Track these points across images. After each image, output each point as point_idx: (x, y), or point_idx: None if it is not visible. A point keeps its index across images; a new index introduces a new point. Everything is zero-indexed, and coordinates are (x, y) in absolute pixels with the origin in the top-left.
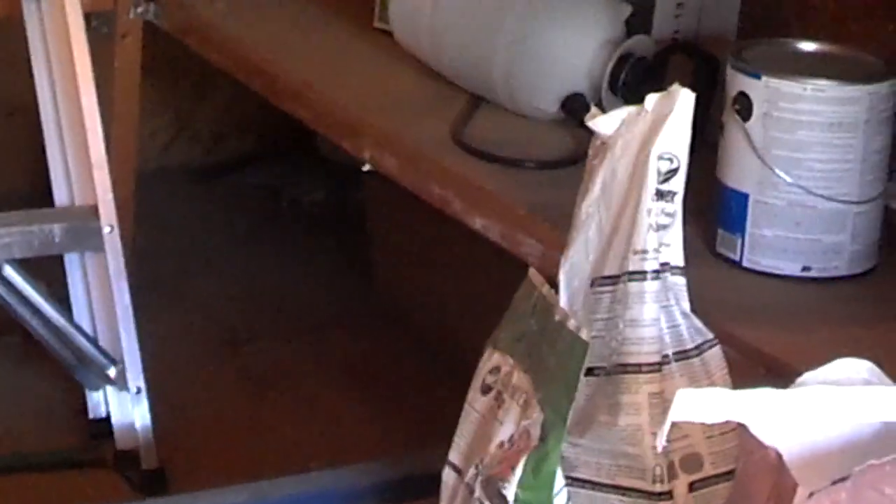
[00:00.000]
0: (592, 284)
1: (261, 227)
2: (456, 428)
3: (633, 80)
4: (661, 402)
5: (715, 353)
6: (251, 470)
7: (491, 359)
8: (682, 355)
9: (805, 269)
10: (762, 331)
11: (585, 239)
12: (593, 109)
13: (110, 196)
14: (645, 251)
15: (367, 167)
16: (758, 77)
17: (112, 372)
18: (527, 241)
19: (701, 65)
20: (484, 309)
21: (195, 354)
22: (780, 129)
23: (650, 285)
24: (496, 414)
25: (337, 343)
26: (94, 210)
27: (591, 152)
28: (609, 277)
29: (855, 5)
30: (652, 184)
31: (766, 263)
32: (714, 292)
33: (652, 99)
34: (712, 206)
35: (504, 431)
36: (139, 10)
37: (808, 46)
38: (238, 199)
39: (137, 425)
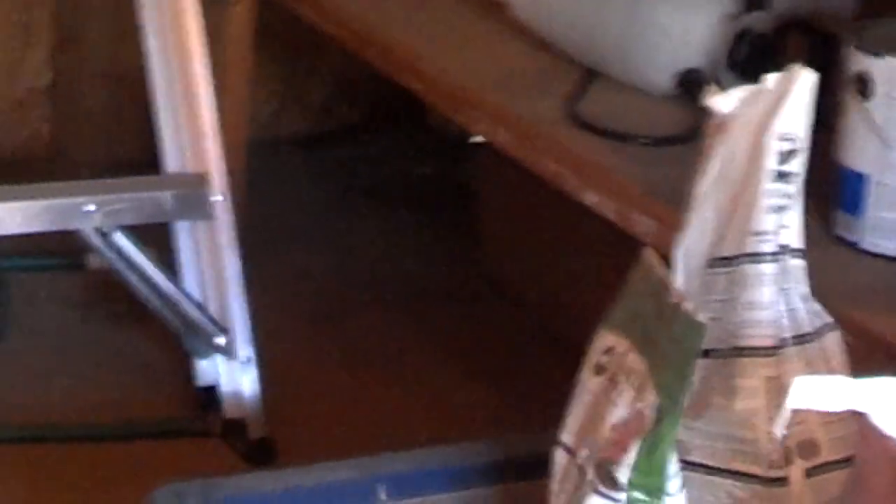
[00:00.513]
0: (709, 265)
1: (368, 198)
2: (567, 408)
3: (751, 57)
4: (778, 386)
5: (834, 338)
6: (355, 443)
7: (605, 339)
8: (799, 339)
9: None
10: (883, 316)
11: (702, 219)
12: (711, 87)
13: (221, 164)
14: (763, 233)
15: (477, 139)
16: (881, 56)
17: (221, 340)
18: (641, 218)
19: (819, 43)
20: (594, 286)
21: (300, 326)
22: None
23: (768, 267)
24: (609, 395)
25: (443, 318)
26: (204, 178)
27: (708, 131)
28: (726, 258)
29: None
30: (771, 165)
31: (887, 246)
32: (832, 276)
33: (771, 78)
34: (829, 188)
35: (617, 413)
36: None
37: None
38: (346, 169)
39: (246, 394)
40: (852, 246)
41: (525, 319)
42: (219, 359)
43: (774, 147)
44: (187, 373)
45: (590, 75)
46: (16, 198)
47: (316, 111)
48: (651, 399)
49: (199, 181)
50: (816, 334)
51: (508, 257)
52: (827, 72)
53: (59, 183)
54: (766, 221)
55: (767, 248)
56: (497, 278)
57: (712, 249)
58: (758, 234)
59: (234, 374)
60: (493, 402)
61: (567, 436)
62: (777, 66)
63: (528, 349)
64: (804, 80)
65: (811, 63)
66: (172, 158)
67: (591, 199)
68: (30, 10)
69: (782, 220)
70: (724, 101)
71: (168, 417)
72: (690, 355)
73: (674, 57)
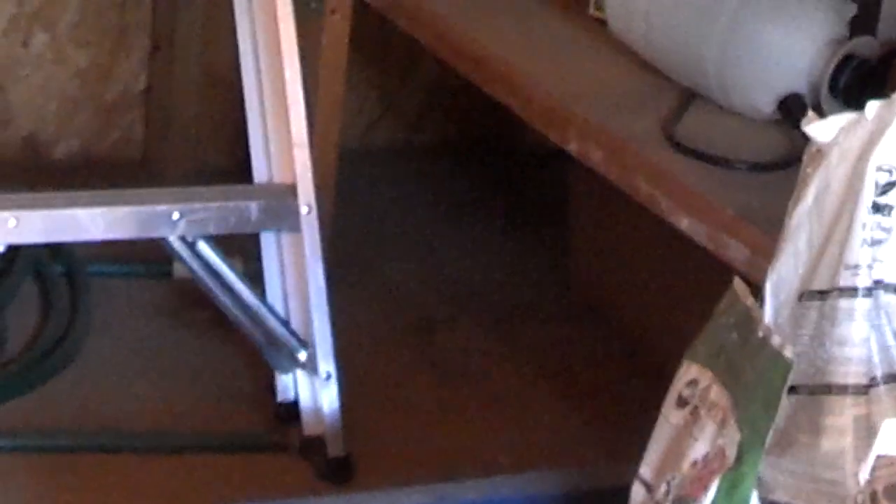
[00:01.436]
0: (800, 298)
1: (459, 211)
2: (649, 440)
3: (855, 84)
4: (867, 427)
5: None
6: (438, 462)
7: (688, 371)
8: (892, 378)
9: None
10: None
11: (795, 250)
12: (810, 114)
13: (310, 175)
14: (857, 266)
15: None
16: None
17: (302, 355)
18: (734, 244)
19: None
20: (684, 311)
21: (386, 340)
22: None
23: (861, 303)
24: (691, 429)
25: (533, 336)
26: (292, 189)
27: (805, 159)
28: (818, 292)
29: None
30: (868, 196)
31: None
32: None
33: (873, 106)
34: None
35: (699, 449)
36: None
37: None
38: (439, 182)
39: (325, 411)
40: None
41: (615, 341)
42: (299, 374)
43: (873, 178)
44: (268, 386)
45: (688, 96)
46: (100, 203)
47: (410, 123)
48: (733, 435)
49: (286, 192)
50: None
51: (600, 276)
52: None
53: (144, 190)
54: (861, 254)
55: (861, 282)
56: (588, 297)
57: (804, 282)
58: (851, 267)
59: (314, 389)
60: (580, 422)
61: (646, 470)
62: (881, 94)
63: (617, 371)
64: None
65: None
66: (262, 167)
67: (683, 222)
68: (125, 13)
69: (877, 254)
70: (822, 129)
71: (247, 431)
72: (777, 391)
73: (775, 81)
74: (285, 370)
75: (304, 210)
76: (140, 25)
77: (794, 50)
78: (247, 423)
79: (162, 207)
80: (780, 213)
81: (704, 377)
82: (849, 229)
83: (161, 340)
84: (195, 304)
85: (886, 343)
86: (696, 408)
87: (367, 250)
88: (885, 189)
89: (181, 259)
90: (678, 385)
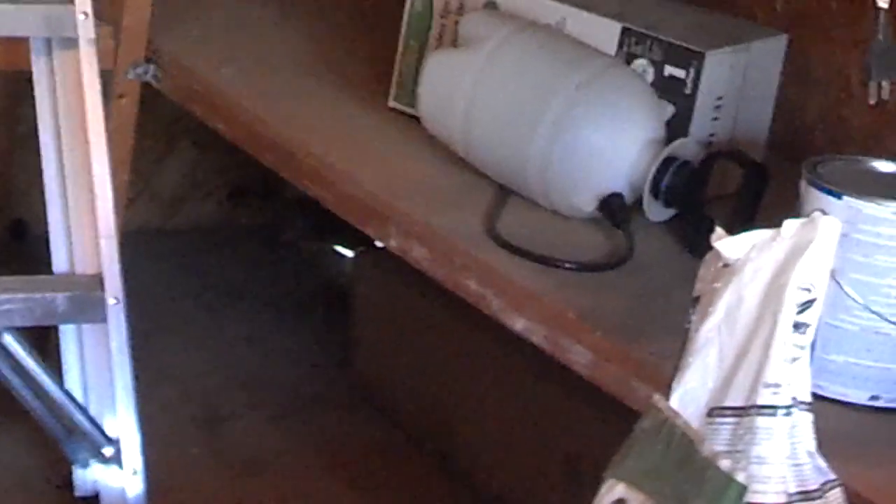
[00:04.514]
0: (710, 414)
1: (228, 297)
2: None
3: (676, 185)
4: None
5: (836, 495)
6: None
7: (613, 490)
8: (804, 496)
9: (873, 398)
10: (835, 462)
11: (703, 364)
12: (718, 230)
13: (117, 267)
14: (778, 385)
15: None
16: (838, 197)
17: (108, 451)
18: (575, 347)
19: (751, 172)
20: (472, 401)
21: (172, 434)
22: (857, 252)
23: (781, 421)
24: None
25: (317, 426)
26: (98, 280)
27: (707, 273)
28: (731, 408)
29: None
30: (789, 314)
31: (833, 390)
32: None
33: (791, 225)
34: None
35: None
36: (139, 70)
37: (884, 166)
38: (202, 266)
39: None
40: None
41: (401, 431)
42: (100, 468)
43: (793, 297)
44: (65, 480)
45: (505, 193)
46: None
47: (166, 205)
48: None
49: (93, 283)
50: (820, 491)
51: (382, 366)
52: (757, 201)
53: None
54: (782, 373)
55: (781, 401)
56: (371, 388)
57: (714, 397)
58: (771, 385)
59: (118, 484)
60: None
61: None
62: (701, 193)
63: (405, 461)
64: (827, 229)
65: (743, 192)
66: (62, 258)
67: (518, 323)
68: None
69: (795, 372)
70: (733, 246)
71: None
72: None
73: (596, 181)
74: (85, 464)
75: (111, 301)
76: None
77: (616, 151)
78: None
79: None
80: (619, 315)
81: (634, 497)
82: (766, 347)
83: None
84: None
85: (799, 460)
86: None
87: (140, 338)
88: (803, 307)
89: None
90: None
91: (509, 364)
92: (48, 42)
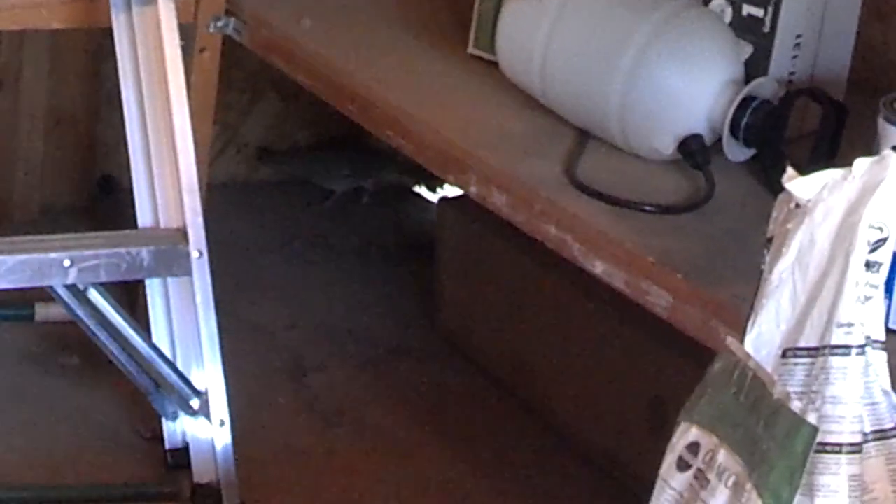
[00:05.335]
0: (784, 355)
1: (313, 248)
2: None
3: (756, 124)
4: (860, 485)
5: None
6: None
7: (688, 434)
8: (880, 435)
9: None
10: None
11: (777, 306)
12: (790, 170)
13: (200, 220)
14: (851, 324)
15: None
16: None
17: (195, 403)
18: (654, 289)
19: (830, 111)
20: (550, 347)
21: (260, 385)
22: None
23: (855, 360)
24: (698, 494)
25: (401, 375)
26: (182, 233)
27: (780, 215)
28: (805, 349)
29: None
30: (861, 253)
31: None
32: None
33: (862, 163)
34: None
35: None
36: (219, 23)
37: None
38: (286, 218)
39: (219, 459)
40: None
41: (485, 377)
42: (188, 419)
43: (864, 236)
44: (154, 433)
45: (585, 137)
46: None
47: (251, 157)
48: (753, 500)
49: (176, 236)
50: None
51: (466, 314)
52: (838, 139)
53: (32, 237)
54: (854, 313)
55: (854, 340)
56: (454, 335)
57: (788, 338)
58: (844, 325)
59: (206, 436)
60: (459, 458)
61: None
62: (781, 132)
63: (489, 407)
64: None
65: (822, 130)
66: (147, 212)
67: (597, 267)
68: None
69: (868, 311)
70: (804, 186)
71: (135, 481)
72: (800, 459)
73: (675, 123)
74: (174, 417)
75: (194, 254)
76: None
77: (695, 92)
78: (134, 472)
79: (53, 255)
80: (698, 258)
81: (708, 441)
82: (839, 287)
83: (32, 389)
84: (63, 349)
85: (874, 399)
86: (700, 471)
87: (226, 291)
88: (875, 246)
89: (66, 306)
90: (677, 448)
91: (592, 308)
92: None
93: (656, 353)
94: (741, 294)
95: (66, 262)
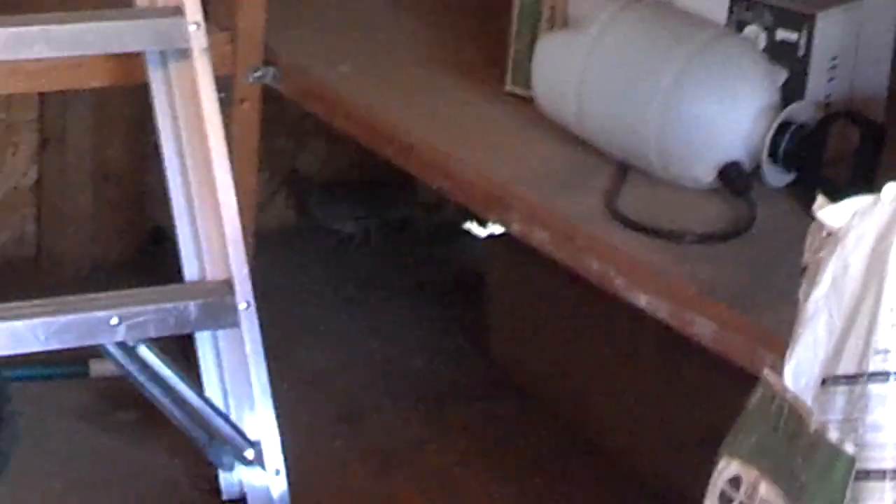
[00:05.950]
0: (824, 383)
1: (364, 291)
2: None
3: (794, 149)
4: None
5: None
6: None
7: (728, 467)
8: None
9: None
10: None
11: (814, 335)
12: (820, 199)
13: (246, 271)
14: (887, 350)
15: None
16: None
17: (250, 453)
18: (698, 319)
19: (867, 132)
20: (610, 378)
21: (315, 431)
22: None
23: (893, 386)
24: None
25: (457, 414)
26: (229, 285)
27: (813, 243)
28: (844, 377)
29: None
30: (894, 279)
31: None
32: None
33: (891, 189)
34: None
35: None
36: (258, 73)
37: None
38: (335, 262)
39: None
40: None
41: (539, 414)
42: (244, 470)
43: None
44: (210, 484)
45: (624, 169)
46: (38, 314)
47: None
48: None
49: (223, 288)
50: None
51: (518, 350)
52: (876, 160)
53: (80, 296)
54: (890, 338)
55: (891, 366)
56: (508, 372)
57: (827, 367)
58: (882, 351)
59: (262, 485)
60: (518, 499)
61: None
62: (820, 156)
63: (546, 443)
64: None
65: (860, 152)
66: (193, 265)
67: (642, 300)
68: (11, 109)
69: None
70: (836, 214)
71: None
72: (840, 488)
73: (714, 150)
74: (230, 468)
75: (241, 306)
76: (28, 120)
77: (732, 119)
78: None
79: (101, 314)
80: (742, 286)
81: (748, 474)
82: (874, 313)
83: (89, 447)
84: (117, 405)
85: None
86: None
87: (279, 337)
88: None
89: (117, 363)
90: (718, 482)
91: (645, 338)
92: (163, 54)
93: (711, 382)
94: (786, 320)
95: (114, 321)
